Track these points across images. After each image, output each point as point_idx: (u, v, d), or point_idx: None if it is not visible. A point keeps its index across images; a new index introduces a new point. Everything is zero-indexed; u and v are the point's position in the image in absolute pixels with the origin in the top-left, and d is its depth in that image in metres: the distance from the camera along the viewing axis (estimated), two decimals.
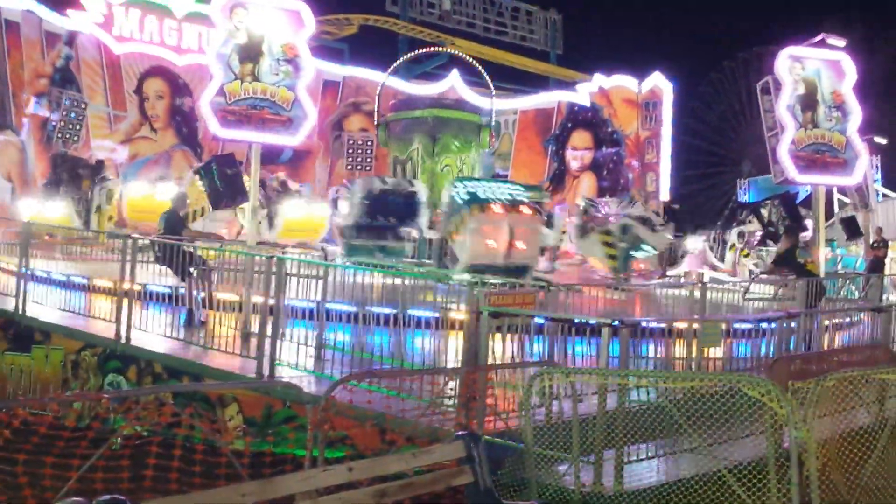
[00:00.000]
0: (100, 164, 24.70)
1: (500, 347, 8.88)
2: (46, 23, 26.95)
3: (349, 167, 30.29)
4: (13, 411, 5.79)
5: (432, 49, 29.33)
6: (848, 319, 13.68)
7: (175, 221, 12.58)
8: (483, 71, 24.96)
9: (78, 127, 25.23)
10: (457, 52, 27.88)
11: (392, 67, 24.48)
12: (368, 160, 30.51)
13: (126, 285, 10.88)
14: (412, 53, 26.43)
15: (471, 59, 25.79)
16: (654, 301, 15.66)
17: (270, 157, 26.58)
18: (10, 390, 11.08)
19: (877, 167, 32.86)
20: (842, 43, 20.73)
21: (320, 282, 10.35)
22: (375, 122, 22.54)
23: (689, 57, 63.53)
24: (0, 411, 5.85)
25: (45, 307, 12.44)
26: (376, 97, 22.88)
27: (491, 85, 24.08)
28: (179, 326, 11.23)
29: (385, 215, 18.96)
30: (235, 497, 4.69)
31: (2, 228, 18.56)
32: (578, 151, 35.22)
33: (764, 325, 11.03)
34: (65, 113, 24.84)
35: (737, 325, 11.18)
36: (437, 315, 9.93)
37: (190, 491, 5.39)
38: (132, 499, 4.22)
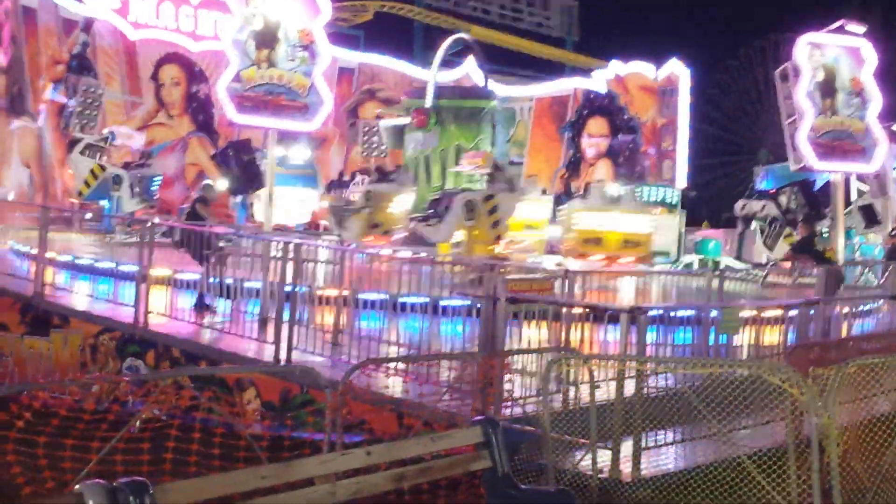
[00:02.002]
0: None
1: (518, 333, 8.86)
2: (63, 9, 27.03)
3: (364, 154, 30.27)
4: (33, 394, 5.82)
5: (457, 36, 29.01)
6: (867, 307, 13.59)
7: (200, 209, 12.79)
8: (483, 57, 24.89)
9: (94, 113, 25.29)
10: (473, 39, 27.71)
11: (437, 58, 24.01)
12: (384, 147, 30.48)
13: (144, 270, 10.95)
14: (450, 38, 25.81)
15: (476, 46, 25.67)
16: (673, 289, 15.59)
17: (286, 143, 26.55)
18: (29, 374, 11.14)
19: None
20: (861, 29, 20.48)
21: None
22: (427, 107, 22.10)
23: (706, 43, 62.68)
24: (20, 394, 5.88)
25: (63, 291, 12.51)
26: (430, 85, 22.52)
27: (484, 72, 24.13)
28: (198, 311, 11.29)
29: None
30: (254, 479, 4.69)
31: (20, 213, 18.66)
32: (594, 139, 34.97)
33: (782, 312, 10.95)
34: (81, 99, 24.92)
35: (755, 313, 11.09)
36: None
37: (209, 473, 5.42)
38: (152, 481, 4.23)
